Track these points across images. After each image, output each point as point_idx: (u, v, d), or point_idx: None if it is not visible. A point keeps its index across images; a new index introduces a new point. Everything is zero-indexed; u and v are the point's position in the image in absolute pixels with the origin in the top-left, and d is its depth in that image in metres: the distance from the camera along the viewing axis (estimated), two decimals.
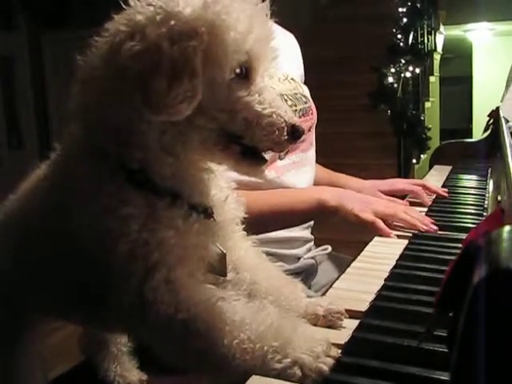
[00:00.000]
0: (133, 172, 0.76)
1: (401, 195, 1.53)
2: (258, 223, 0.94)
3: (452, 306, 0.39)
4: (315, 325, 0.80)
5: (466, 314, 0.39)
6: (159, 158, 0.76)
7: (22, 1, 5.13)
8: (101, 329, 1.18)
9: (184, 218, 0.78)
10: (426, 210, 1.42)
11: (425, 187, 1.54)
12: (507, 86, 2.02)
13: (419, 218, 1.25)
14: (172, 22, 0.70)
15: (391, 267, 0.99)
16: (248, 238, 0.92)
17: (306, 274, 1.41)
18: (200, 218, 0.80)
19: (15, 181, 1.02)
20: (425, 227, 1.22)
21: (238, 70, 0.76)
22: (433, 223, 1.24)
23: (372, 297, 0.86)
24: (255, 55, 0.76)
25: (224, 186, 0.88)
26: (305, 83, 1.53)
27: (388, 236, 1.20)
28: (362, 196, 1.30)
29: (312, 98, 1.48)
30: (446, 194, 1.56)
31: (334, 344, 0.71)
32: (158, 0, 0.73)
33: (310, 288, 1.40)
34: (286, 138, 0.77)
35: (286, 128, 0.77)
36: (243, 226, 0.90)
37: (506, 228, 0.39)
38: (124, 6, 0.75)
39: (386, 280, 0.93)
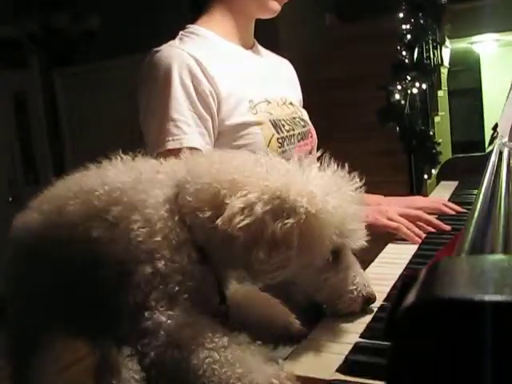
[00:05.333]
0: None
1: None
2: None
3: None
4: None
5: (392, 346, 0.41)
6: None
7: (34, 42, 5.35)
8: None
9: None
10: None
11: (444, 205, 1.55)
12: (507, 100, 2.02)
13: (432, 219, 1.38)
14: (276, 202, 0.78)
15: (390, 288, 1.01)
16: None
17: None
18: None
19: None
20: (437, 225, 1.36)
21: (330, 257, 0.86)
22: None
23: (370, 318, 0.88)
24: (346, 238, 0.85)
25: None
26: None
27: (413, 241, 1.29)
28: (373, 207, 1.33)
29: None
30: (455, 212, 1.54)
31: None
32: (274, 181, 0.80)
33: None
34: (361, 307, 0.90)
35: (362, 299, 0.89)
36: None
37: (443, 260, 0.41)
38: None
39: (384, 301, 0.95)
